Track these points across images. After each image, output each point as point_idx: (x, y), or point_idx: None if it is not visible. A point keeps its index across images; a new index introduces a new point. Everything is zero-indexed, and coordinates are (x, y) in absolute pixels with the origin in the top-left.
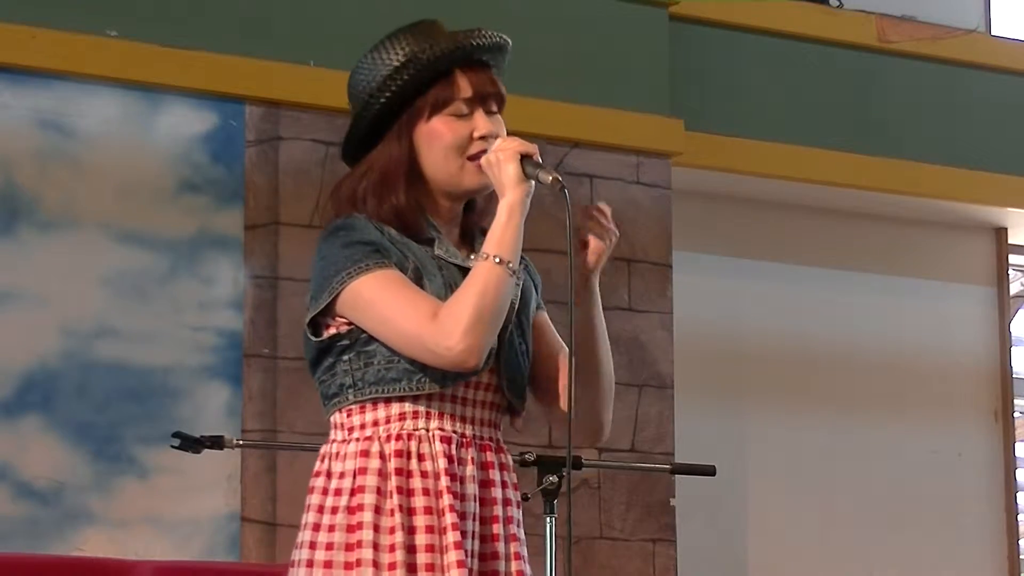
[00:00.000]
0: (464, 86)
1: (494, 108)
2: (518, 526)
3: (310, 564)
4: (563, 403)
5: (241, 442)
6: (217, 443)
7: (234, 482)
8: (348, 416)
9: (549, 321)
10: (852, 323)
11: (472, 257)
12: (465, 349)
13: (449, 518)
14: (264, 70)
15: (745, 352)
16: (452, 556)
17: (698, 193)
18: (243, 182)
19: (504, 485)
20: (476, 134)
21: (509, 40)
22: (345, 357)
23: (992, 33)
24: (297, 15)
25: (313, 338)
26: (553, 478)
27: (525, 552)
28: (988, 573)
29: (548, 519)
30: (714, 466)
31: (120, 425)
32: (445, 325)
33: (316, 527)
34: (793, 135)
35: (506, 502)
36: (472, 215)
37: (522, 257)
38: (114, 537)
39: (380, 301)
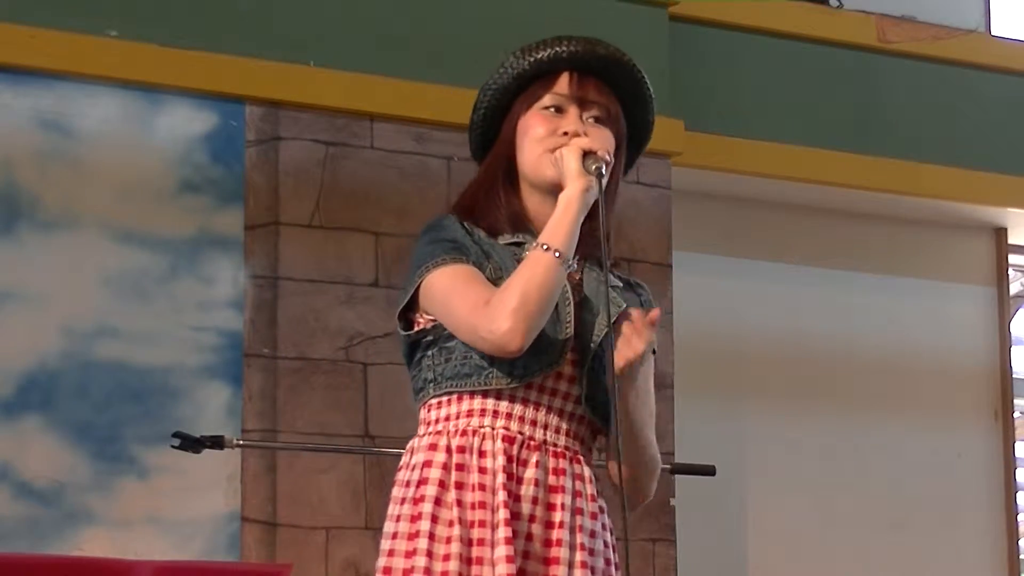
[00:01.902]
0: (563, 85)
1: (597, 116)
2: (591, 536)
3: (382, 553)
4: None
5: (241, 442)
6: (217, 443)
7: (234, 482)
8: (428, 411)
9: (650, 371)
10: (852, 323)
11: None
12: (508, 331)
13: (502, 513)
14: (264, 70)
15: (745, 352)
16: (502, 551)
17: (698, 193)
18: (243, 182)
19: (577, 494)
20: (561, 130)
21: (625, 56)
22: (429, 352)
23: (992, 33)
24: (297, 15)
25: (403, 332)
26: None
27: (601, 563)
28: (988, 573)
29: None
30: (714, 466)
31: (120, 425)
32: (494, 310)
33: (390, 518)
34: (793, 135)
35: (576, 511)
36: (592, 243)
37: (641, 285)
38: (114, 537)
39: (449, 293)
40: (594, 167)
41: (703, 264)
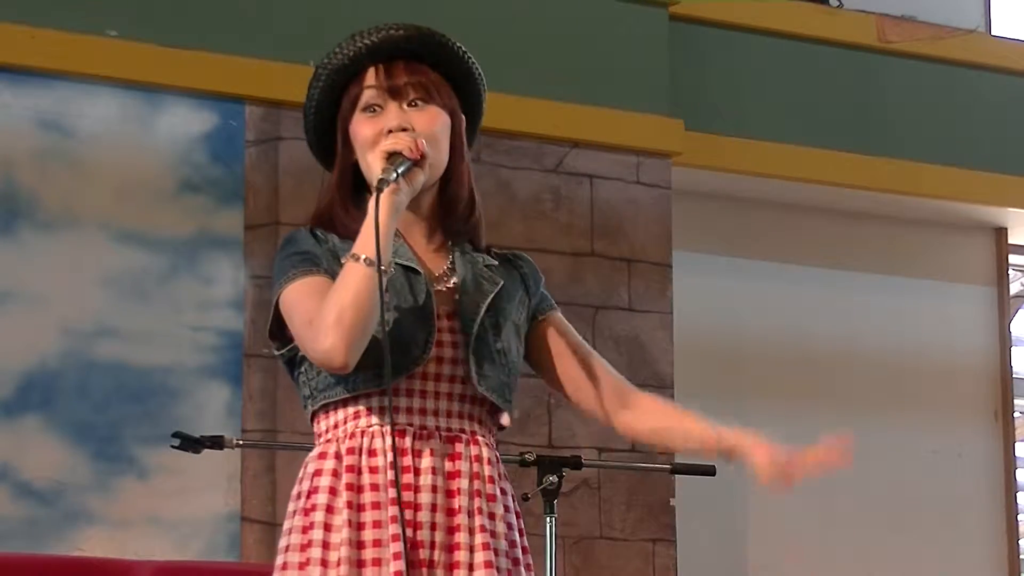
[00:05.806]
0: (371, 81)
1: (414, 99)
2: (491, 518)
3: (276, 569)
4: (605, 413)
5: (241, 442)
6: (217, 443)
7: (234, 482)
8: (317, 423)
9: (563, 321)
10: (852, 323)
11: (451, 257)
12: (329, 348)
13: (390, 511)
14: (264, 70)
15: (745, 352)
16: (391, 549)
17: (698, 193)
18: (243, 182)
19: (475, 477)
20: (387, 128)
21: (418, 28)
22: (303, 367)
23: (992, 33)
24: (297, 15)
25: (276, 351)
26: (553, 478)
27: (504, 545)
28: (988, 573)
29: (548, 519)
30: (714, 466)
31: (120, 425)
32: (316, 327)
33: (283, 532)
34: (793, 135)
35: (474, 494)
36: (452, 221)
37: (519, 257)
38: (114, 537)
39: (295, 307)
40: (377, 180)
41: (703, 264)
